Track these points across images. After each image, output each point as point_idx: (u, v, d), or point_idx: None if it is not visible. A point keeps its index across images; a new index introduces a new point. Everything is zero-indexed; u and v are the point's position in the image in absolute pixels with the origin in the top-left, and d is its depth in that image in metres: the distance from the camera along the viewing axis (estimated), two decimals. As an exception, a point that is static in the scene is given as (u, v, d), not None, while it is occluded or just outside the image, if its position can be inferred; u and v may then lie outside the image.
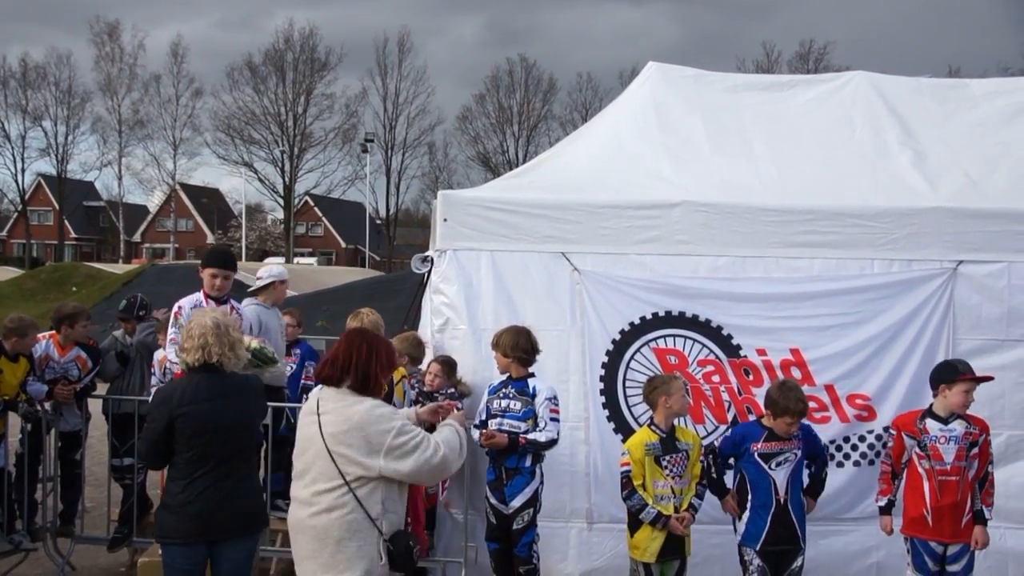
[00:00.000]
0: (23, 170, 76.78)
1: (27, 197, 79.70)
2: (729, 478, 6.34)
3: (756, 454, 6.08)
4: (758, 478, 6.10)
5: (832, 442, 7.03)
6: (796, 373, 7.05)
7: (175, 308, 7.10)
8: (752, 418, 6.95)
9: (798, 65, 71.03)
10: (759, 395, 6.93)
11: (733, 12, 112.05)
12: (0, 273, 54.62)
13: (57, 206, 78.09)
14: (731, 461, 6.29)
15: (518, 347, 6.57)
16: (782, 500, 6.05)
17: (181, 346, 5.45)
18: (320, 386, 4.86)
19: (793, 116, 8.46)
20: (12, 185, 78.24)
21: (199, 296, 7.17)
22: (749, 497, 6.14)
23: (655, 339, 7.23)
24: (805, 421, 6.30)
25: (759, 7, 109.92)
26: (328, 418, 4.62)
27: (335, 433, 4.58)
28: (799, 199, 7.34)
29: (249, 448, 5.48)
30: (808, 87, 8.97)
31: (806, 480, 6.26)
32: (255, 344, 6.84)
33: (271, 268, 8.83)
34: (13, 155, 75.55)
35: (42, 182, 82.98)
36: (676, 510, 6.12)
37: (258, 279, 8.65)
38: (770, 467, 6.06)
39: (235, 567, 5.36)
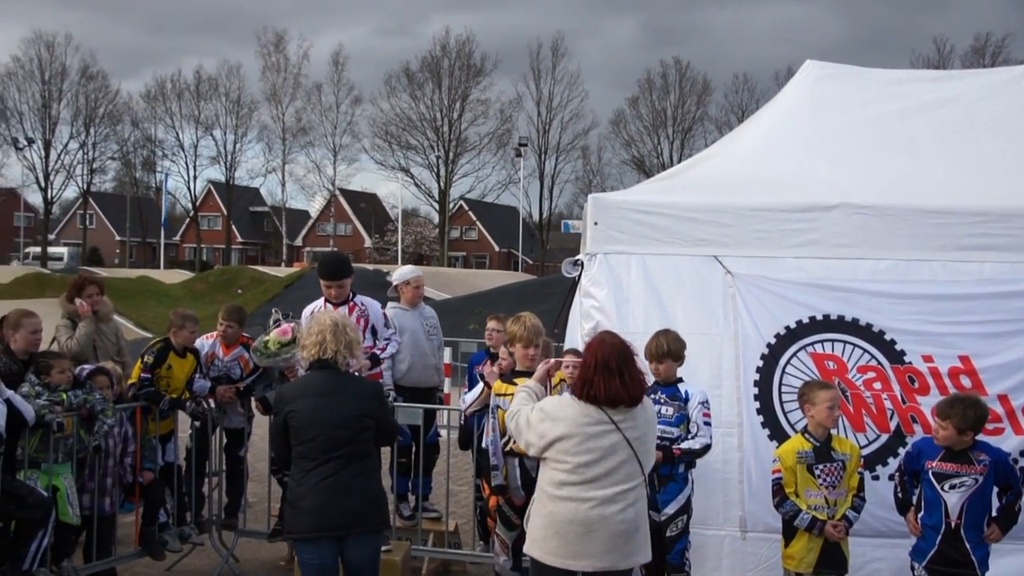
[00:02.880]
0: (195, 177, 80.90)
1: (198, 203, 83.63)
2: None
3: (930, 472, 5.81)
4: (931, 498, 5.83)
5: (1008, 456, 6.63)
6: (966, 382, 6.68)
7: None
8: (917, 428, 6.66)
9: (972, 60, 68.22)
10: (925, 404, 6.64)
11: (904, 4, 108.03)
12: (173, 276, 57.59)
13: (225, 212, 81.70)
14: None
15: (683, 347, 6.47)
16: (953, 524, 5.74)
17: (302, 344, 5.83)
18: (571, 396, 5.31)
19: (963, 110, 8.05)
20: (185, 192, 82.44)
21: (320, 303, 7.64)
22: (920, 514, 5.89)
23: (812, 344, 6.97)
24: (1002, 448, 6.01)
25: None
26: (628, 424, 5.17)
27: (639, 437, 5.20)
28: (968, 199, 6.96)
29: (362, 445, 5.54)
30: (979, 79, 8.54)
31: (995, 508, 5.89)
32: (270, 337, 7.46)
33: (396, 271, 9.05)
34: (187, 163, 79.75)
35: (212, 189, 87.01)
36: (829, 522, 5.94)
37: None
38: (943, 488, 5.77)
39: (359, 565, 5.48)
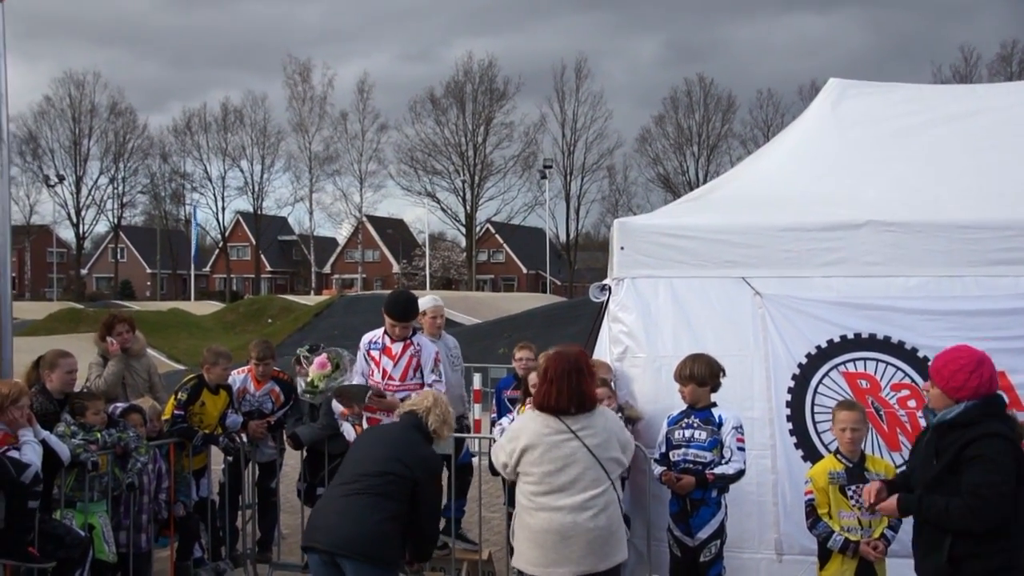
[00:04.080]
0: (223, 209, 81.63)
1: (227, 234, 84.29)
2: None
3: None
4: None
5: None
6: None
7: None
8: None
9: (999, 68, 67.66)
10: (961, 421, 6.55)
11: (930, 14, 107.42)
12: (203, 307, 58.02)
13: (254, 241, 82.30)
14: None
15: (714, 374, 6.44)
16: None
17: (409, 400, 6.23)
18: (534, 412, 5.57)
19: (989, 121, 7.98)
20: (214, 223, 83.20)
21: (379, 332, 7.54)
22: None
23: (844, 363, 6.91)
24: None
25: (959, 7, 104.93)
26: (586, 431, 5.43)
27: (599, 443, 5.44)
28: (999, 213, 6.89)
29: (386, 487, 5.56)
30: (1006, 90, 8.47)
31: None
32: (312, 376, 7.65)
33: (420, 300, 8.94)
34: (215, 195, 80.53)
35: (240, 219, 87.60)
36: (866, 544, 5.85)
37: None
38: None
39: None
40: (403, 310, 7.54)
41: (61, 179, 77.76)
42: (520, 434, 5.56)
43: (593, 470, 5.40)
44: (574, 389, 5.47)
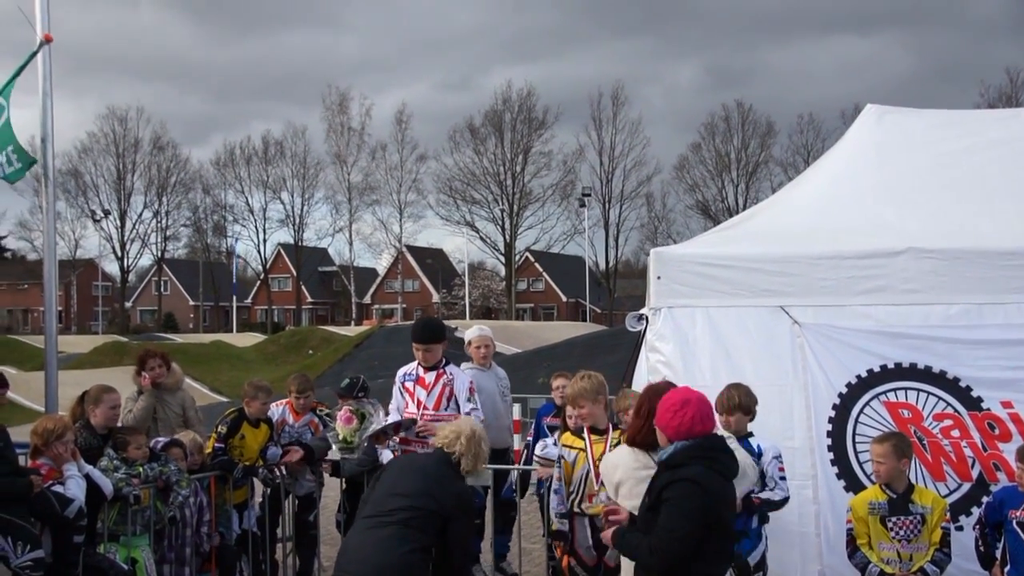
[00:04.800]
0: (264, 241, 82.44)
1: (268, 265, 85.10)
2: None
3: (1015, 522, 5.63)
4: (1016, 549, 5.65)
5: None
6: (1049, 427, 6.50)
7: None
8: (1001, 476, 6.48)
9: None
10: (1007, 451, 6.45)
11: (974, 34, 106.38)
12: (245, 339, 58.45)
13: (295, 273, 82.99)
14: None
15: (754, 403, 6.39)
16: None
17: (437, 432, 6.15)
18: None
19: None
20: (255, 255, 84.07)
21: (413, 365, 7.59)
22: (1007, 568, 5.69)
23: (885, 392, 6.85)
24: None
25: (1003, 28, 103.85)
26: None
27: None
28: (1042, 239, 6.82)
29: (413, 521, 5.56)
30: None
31: None
32: (343, 433, 7.75)
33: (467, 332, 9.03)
34: (256, 227, 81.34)
35: (281, 251, 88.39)
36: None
37: None
38: None
39: None
40: (420, 333, 7.61)
41: (106, 213, 79.08)
42: (616, 467, 5.50)
43: None
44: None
